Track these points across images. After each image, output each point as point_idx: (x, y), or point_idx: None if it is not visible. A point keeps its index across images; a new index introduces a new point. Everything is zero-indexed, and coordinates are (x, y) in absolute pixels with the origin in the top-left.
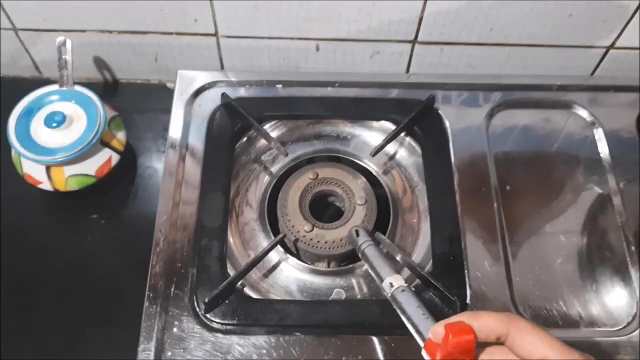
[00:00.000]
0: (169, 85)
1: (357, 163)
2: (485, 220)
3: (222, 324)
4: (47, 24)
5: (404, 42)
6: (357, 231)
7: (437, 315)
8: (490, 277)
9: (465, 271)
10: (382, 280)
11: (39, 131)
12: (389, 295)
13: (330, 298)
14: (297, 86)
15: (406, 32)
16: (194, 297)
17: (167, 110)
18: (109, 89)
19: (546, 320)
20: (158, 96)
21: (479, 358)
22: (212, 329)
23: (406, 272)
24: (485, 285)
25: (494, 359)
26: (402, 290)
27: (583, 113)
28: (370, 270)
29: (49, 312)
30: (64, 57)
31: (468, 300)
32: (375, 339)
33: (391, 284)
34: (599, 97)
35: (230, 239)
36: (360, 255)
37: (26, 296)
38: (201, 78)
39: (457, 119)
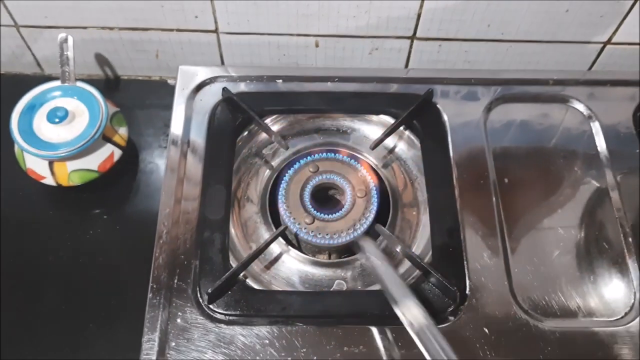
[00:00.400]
0: (169, 81)
1: (357, 156)
2: (484, 213)
3: (225, 314)
4: (48, 20)
5: (402, 38)
6: (360, 246)
7: (437, 308)
8: (489, 268)
9: (465, 262)
10: (395, 303)
11: (42, 127)
12: (412, 334)
13: (331, 289)
14: (297, 81)
15: (405, 28)
16: (197, 289)
17: (169, 107)
18: (111, 85)
19: (545, 311)
20: (159, 92)
21: None
22: (215, 320)
23: (406, 263)
24: (485, 276)
25: None
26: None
27: (580, 107)
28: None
29: (52, 306)
30: (65, 53)
31: (467, 291)
32: (376, 329)
33: (412, 323)
34: (596, 92)
35: (232, 232)
36: (370, 273)
37: (29, 291)
38: (202, 73)
39: (456, 113)
